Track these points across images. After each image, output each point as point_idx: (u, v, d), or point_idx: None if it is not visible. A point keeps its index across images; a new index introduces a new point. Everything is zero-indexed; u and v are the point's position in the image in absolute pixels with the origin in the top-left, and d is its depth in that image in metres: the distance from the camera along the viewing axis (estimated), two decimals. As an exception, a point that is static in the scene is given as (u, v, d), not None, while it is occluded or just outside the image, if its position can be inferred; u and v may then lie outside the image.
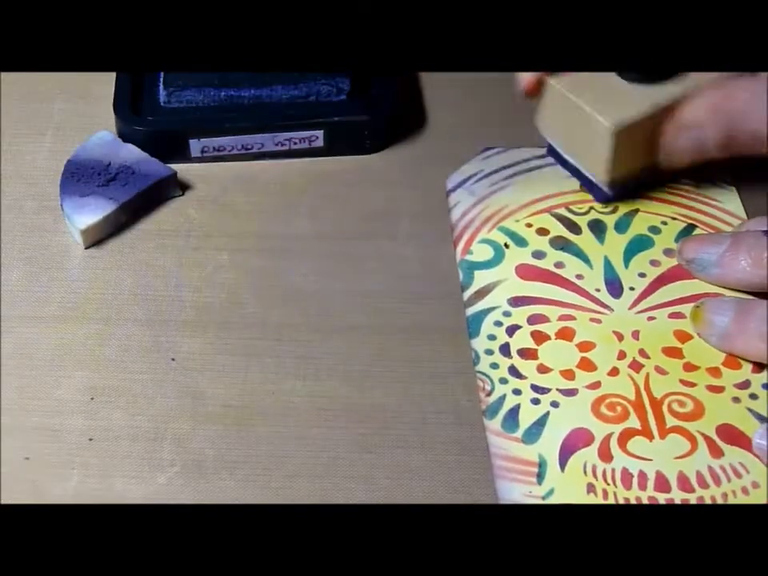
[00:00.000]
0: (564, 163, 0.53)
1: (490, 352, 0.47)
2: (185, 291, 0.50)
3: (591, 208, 0.51)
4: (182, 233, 0.52)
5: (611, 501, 0.42)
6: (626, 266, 0.50)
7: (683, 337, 0.47)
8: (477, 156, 0.53)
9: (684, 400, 0.45)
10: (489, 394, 0.46)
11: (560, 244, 0.50)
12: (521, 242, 0.50)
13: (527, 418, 0.45)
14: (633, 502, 0.42)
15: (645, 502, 0.42)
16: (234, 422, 0.45)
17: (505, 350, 0.47)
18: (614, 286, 0.49)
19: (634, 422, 0.45)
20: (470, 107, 0.57)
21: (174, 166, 0.53)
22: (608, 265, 0.50)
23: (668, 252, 0.50)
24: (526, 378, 0.46)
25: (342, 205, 0.53)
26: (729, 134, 0.49)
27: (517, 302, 0.48)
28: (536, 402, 0.45)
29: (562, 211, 0.51)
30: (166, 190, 0.53)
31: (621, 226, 0.51)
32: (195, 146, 0.54)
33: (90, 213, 0.50)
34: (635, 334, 0.47)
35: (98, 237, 0.51)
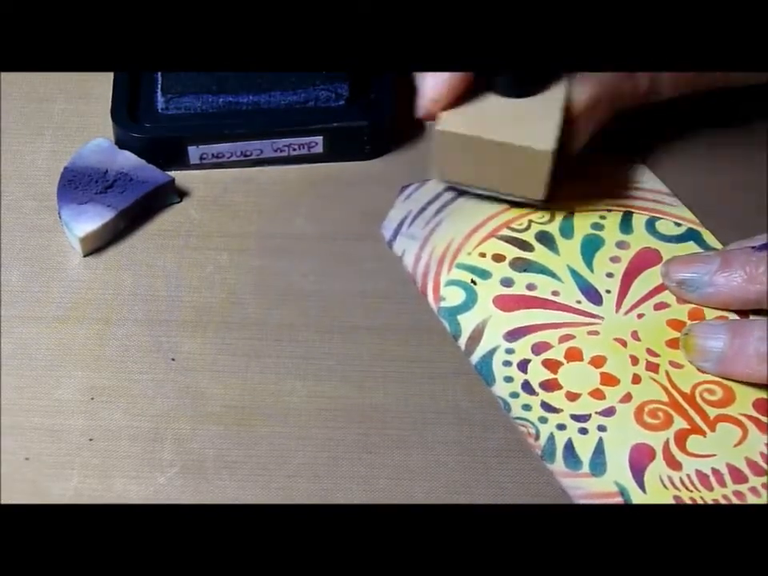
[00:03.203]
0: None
1: (515, 395, 0.46)
2: (185, 291, 0.50)
3: (530, 221, 0.51)
4: (182, 233, 0.52)
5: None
6: (592, 270, 0.49)
7: (677, 325, 0.48)
8: (398, 198, 0.52)
9: (711, 387, 0.46)
10: (537, 438, 0.45)
11: (521, 266, 0.50)
12: (484, 274, 0.49)
13: (584, 450, 0.44)
14: (721, 501, 0.42)
15: (731, 497, 0.43)
16: (234, 422, 0.45)
17: (527, 387, 0.46)
18: (591, 294, 0.49)
19: (680, 422, 0.45)
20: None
21: (173, 173, 0.53)
22: (575, 274, 0.49)
23: (620, 244, 0.50)
24: (561, 410, 0.45)
25: (341, 205, 0.53)
26: (615, 105, 0.51)
27: (512, 335, 0.47)
28: (584, 431, 0.45)
29: (505, 232, 0.51)
30: (164, 196, 0.52)
31: (566, 232, 0.51)
32: (194, 152, 0.54)
33: (89, 220, 0.50)
34: (635, 335, 0.47)
35: (97, 244, 0.51)
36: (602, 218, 0.51)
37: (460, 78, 0.49)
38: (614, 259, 0.50)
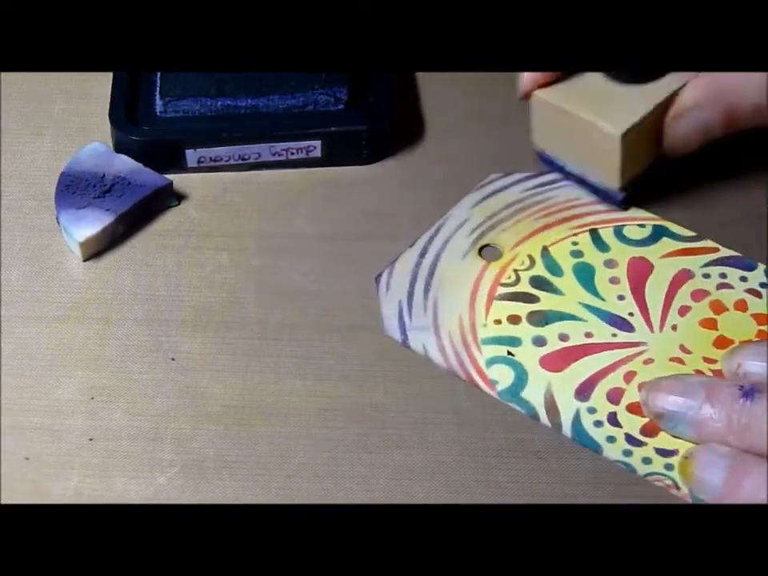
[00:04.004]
0: (564, 173, 0.53)
1: (628, 453, 0.44)
2: (185, 291, 0.50)
3: (515, 271, 0.50)
4: (182, 233, 0.52)
5: None
6: (603, 299, 0.49)
7: (709, 324, 0.48)
8: (380, 293, 0.49)
9: None
10: (677, 487, 0.43)
11: (539, 320, 0.48)
12: (513, 341, 0.48)
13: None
14: None
15: None
16: (233, 421, 0.45)
17: (633, 440, 0.45)
18: (619, 323, 0.48)
19: None
20: (468, 115, 0.57)
21: (171, 176, 0.53)
22: (592, 309, 0.49)
23: (608, 264, 0.50)
24: (677, 450, 0.44)
25: (341, 205, 0.53)
26: (729, 109, 0.49)
27: (581, 393, 0.46)
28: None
29: (501, 290, 0.49)
30: (162, 200, 0.52)
31: (554, 270, 0.50)
32: (191, 156, 0.53)
33: (88, 225, 0.50)
34: (684, 349, 0.47)
35: (97, 249, 0.50)
36: (575, 243, 0.51)
37: None
38: (613, 280, 0.50)
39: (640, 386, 0.46)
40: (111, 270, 0.50)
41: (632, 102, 0.49)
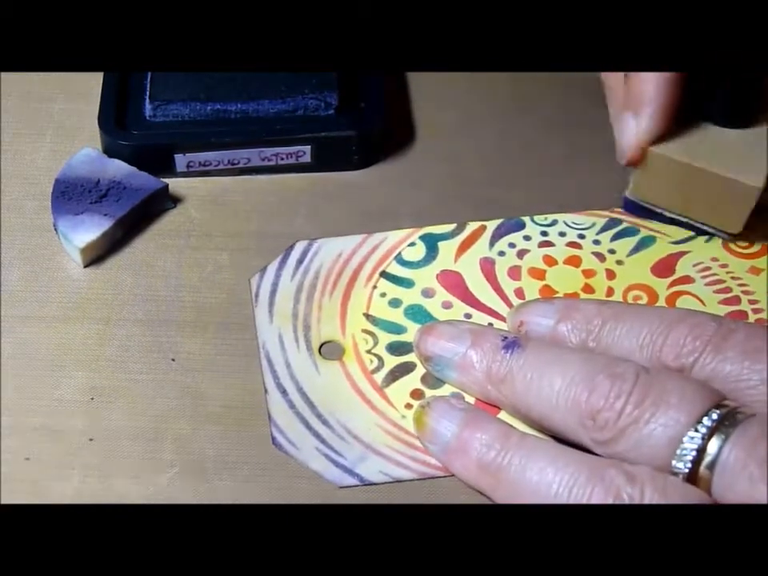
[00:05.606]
0: (658, 216, 0.52)
1: None
2: (185, 291, 0.50)
3: (368, 352, 0.47)
4: (182, 233, 0.52)
5: None
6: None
7: (547, 291, 0.49)
8: (295, 454, 0.44)
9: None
10: None
11: (434, 380, 0.46)
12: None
13: None
14: None
15: None
16: (234, 422, 0.45)
17: None
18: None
19: None
20: (459, 121, 0.57)
21: (163, 180, 0.53)
22: None
23: (424, 292, 0.49)
24: None
25: (342, 204, 0.53)
26: None
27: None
28: None
29: (377, 378, 0.46)
30: (158, 203, 0.52)
31: (394, 329, 0.48)
32: (180, 160, 0.53)
33: (87, 230, 0.50)
34: None
35: (97, 254, 0.50)
36: (383, 294, 0.49)
37: (668, 117, 0.48)
38: (445, 305, 0.49)
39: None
40: (111, 269, 0.50)
41: (750, 148, 0.49)
